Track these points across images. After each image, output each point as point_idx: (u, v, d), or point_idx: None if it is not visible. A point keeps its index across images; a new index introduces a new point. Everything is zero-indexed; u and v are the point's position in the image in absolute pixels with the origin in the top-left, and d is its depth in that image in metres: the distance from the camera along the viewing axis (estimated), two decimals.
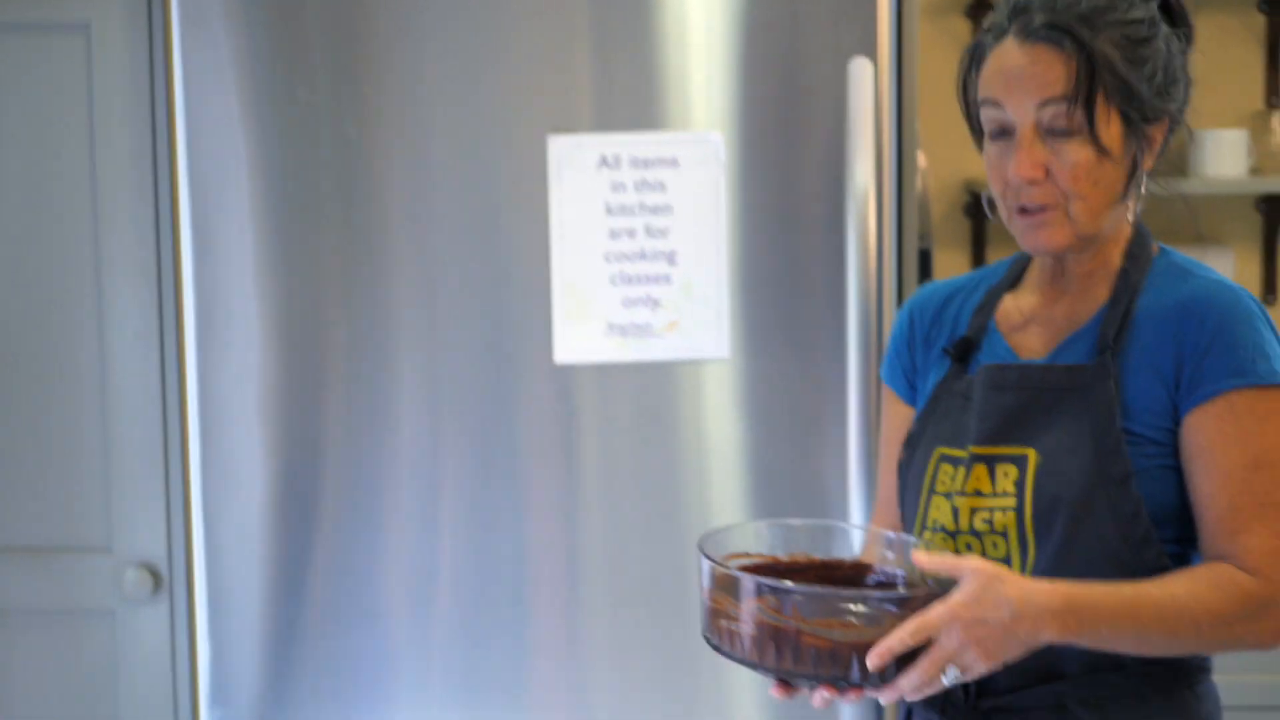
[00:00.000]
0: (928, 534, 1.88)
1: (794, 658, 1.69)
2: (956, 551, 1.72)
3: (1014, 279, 2.02)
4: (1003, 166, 1.85)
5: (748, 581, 1.72)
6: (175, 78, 2.67)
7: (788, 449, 2.64)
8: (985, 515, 1.86)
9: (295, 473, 2.71)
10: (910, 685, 1.67)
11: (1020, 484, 1.85)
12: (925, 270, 3.10)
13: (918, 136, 2.68)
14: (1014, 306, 1.99)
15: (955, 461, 1.90)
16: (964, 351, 1.97)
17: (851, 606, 1.71)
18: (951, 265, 3.69)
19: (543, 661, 2.72)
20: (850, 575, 1.87)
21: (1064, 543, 1.81)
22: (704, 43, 2.59)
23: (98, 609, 2.89)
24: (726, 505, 2.65)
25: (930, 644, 1.67)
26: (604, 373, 2.65)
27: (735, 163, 2.60)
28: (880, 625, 1.67)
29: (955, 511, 1.88)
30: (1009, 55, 1.84)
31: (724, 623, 1.73)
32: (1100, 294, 1.91)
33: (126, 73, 2.78)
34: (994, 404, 1.89)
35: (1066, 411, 1.85)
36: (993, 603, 1.67)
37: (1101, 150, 1.82)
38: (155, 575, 2.85)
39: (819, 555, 1.91)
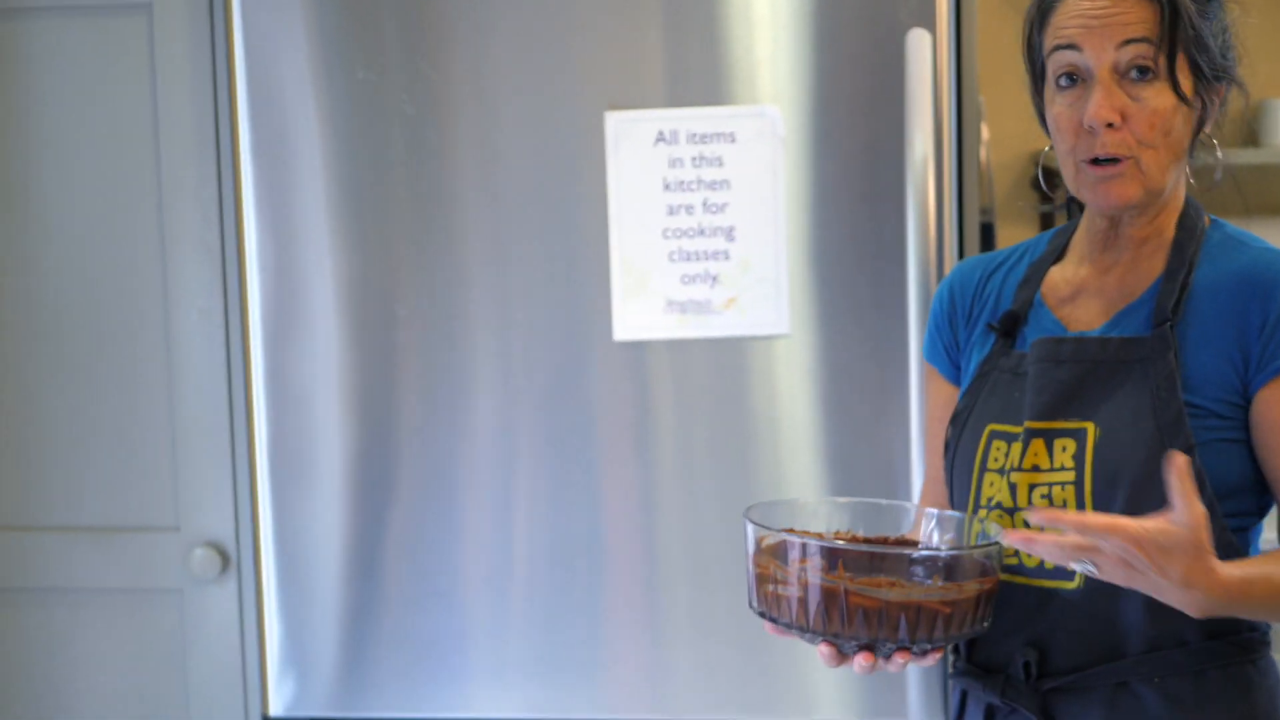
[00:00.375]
0: (983, 511, 1.87)
1: (842, 619, 1.68)
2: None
3: (1058, 251, 2.00)
4: (1074, 116, 1.84)
5: (795, 542, 1.71)
6: (237, 57, 2.69)
7: (853, 425, 2.62)
8: (1044, 490, 1.84)
9: (364, 452, 2.72)
10: (1044, 548, 1.63)
11: (1079, 458, 1.82)
12: (988, 244, 3.07)
13: (980, 109, 2.65)
14: (1060, 279, 1.97)
15: (1008, 438, 1.88)
16: (1010, 326, 1.95)
17: (898, 565, 1.70)
18: (1017, 239, 3.61)
19: (617, 639, 2.71)
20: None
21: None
22: (765, 17, 2.57)
23: (166, 588, 2.91)
24: (794, 481, 2.63)
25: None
26: (672, 349, 2.64)
27: (794, 137, 2.58)
28: (927, 585, 1.66)
29: (1013, 488, 1.86)
30: None
31: (771, 588, 1.73)
32: (1154, 266, 1.90)
33: (188, 53, 2.79)
34: (1050, 378, 1.87)
35: (1125, 384, 1.83)
36: (1171, 568, 1.62)
37: (1180, 97, 1.81)
38: (223, 555, 2.86)
39: (865, 533, 1.90)
